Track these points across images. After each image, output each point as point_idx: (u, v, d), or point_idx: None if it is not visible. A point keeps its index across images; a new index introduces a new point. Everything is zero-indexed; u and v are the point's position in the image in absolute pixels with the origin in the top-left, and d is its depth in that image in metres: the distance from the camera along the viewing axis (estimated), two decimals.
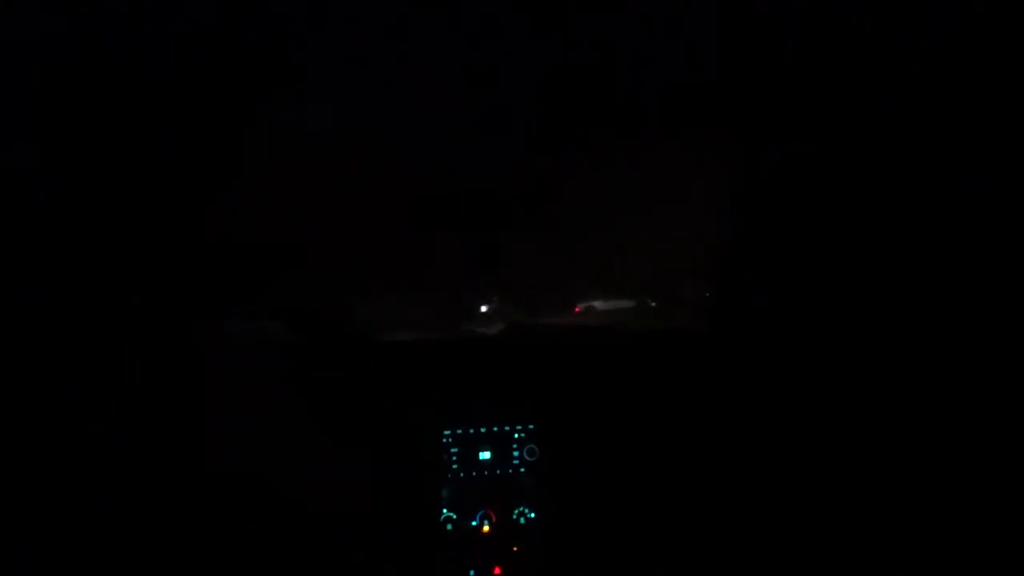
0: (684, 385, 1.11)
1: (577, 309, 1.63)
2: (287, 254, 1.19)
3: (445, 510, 1.05)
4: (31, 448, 0.87)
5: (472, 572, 1.04)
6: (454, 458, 1.07)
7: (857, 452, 1.00)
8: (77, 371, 0.92)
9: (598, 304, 1.61)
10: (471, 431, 1.08)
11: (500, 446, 1.09)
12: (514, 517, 1.06)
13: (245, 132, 1.11)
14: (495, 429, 1.09)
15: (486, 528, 1.05)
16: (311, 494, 1.01)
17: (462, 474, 1.07)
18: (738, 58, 1.03)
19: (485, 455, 1.08)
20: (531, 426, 1.10)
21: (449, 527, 1.05)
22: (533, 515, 1.07)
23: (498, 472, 1.08)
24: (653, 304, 1.55)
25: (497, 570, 1.04)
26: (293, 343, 1.15)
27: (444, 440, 1.07)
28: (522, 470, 1.09)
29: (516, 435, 1.10)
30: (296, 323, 1.16)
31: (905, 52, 0.92)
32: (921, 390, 0.96)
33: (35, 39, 0.82)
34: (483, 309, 1.49)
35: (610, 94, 1.20)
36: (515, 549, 1.05)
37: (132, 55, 0.90)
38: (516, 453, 1.09)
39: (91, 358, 0.94)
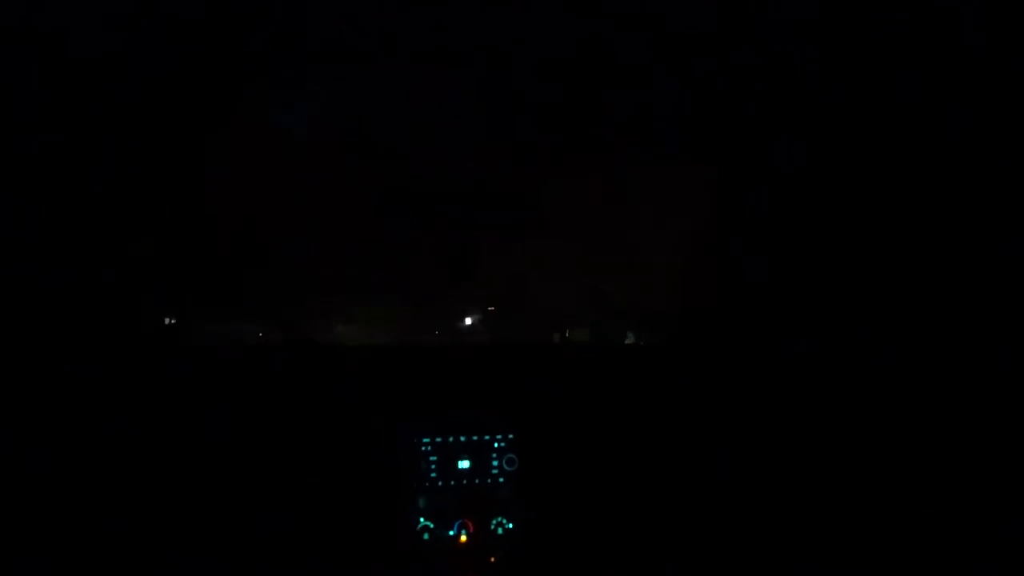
0: (662, 399, 1.11)
1: None
2: (264, 256, 1.16)
3: (422, 519, 1.03)
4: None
5: None
6: (432, 467, 1.06)
7: (832, 462, 1.02)
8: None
9: None
10: (450, 439, 1.07)
11: (479, 455, 1.07)
12: (492, 527, 1.05)
13: (224, 132, 1.09)
14: (474, 438, 1.08)
15: (463, 538, 1.04)
16: (286, 500, 0.99)
17: (440, 483, 1.06)
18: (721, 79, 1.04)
19: (464, 464, 1.07)
20: (511, 436, 1.09)
21: (426, 536, 1.03)
22: (511, 525, 1.05)
23: (476, 482, 1.07)
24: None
25: None
26: (269, 348, 1.12)
27: (423, 448, 1.06)
28: (501, 480, 1.08)
29: (496, 444, 1.08)
30: (272, 327, 1.14)
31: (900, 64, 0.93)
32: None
33: None
34: (467, 322, 1.46)
35: (599, 105, 1.19)
36: (492, 560, 1.04)
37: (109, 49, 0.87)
38: (495, 463, 1.08)
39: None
